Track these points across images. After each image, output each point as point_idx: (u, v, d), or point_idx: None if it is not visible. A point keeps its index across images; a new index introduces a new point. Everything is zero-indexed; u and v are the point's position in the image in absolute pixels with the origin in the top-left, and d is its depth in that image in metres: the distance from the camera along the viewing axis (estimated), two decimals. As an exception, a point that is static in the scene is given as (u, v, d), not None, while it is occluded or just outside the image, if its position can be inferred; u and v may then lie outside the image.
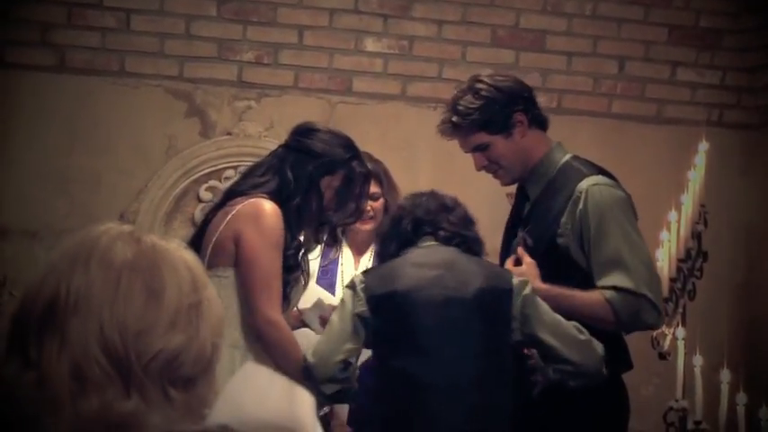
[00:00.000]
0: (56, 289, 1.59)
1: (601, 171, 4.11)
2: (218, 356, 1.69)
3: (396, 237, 3.93)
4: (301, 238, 4.21)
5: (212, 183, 5.88)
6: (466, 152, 4.20)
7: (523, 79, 5.46)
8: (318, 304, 4.19)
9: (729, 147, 6.23)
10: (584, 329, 3.73)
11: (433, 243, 3.84)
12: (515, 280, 3.76)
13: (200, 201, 5.88)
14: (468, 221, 3.93)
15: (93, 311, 1.57)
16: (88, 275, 1.59)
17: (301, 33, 6.03)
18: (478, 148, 4.09)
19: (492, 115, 4.01)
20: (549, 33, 6.29)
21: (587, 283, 3.98)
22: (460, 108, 4.03)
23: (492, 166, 4.12)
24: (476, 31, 6.21)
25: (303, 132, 4.24)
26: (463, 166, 6.02)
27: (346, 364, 3.68)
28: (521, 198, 4.22)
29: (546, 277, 3.99)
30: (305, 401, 1.85)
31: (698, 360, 4.88)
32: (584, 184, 4.00)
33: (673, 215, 5.11)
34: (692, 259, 5.11)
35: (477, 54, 6.22)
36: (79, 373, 1.53)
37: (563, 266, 4.02)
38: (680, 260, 5.07)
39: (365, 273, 3.96)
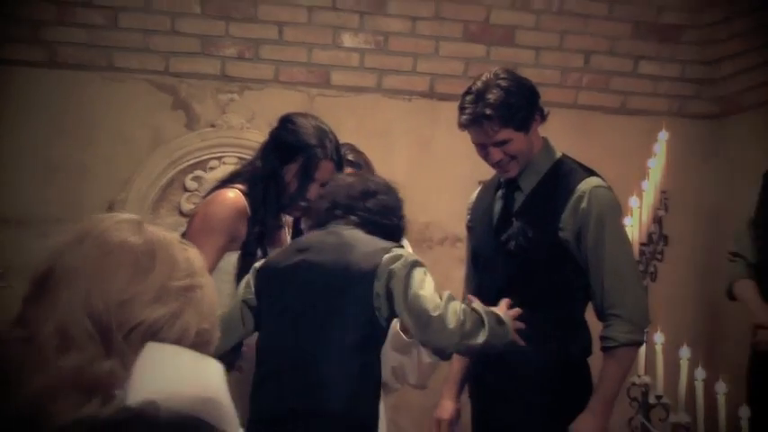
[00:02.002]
0: (52, 261, 1.66)
1: (594, 172, 4.18)
2: (207, 344, 1.73)
3: (314, 216, 3.95)
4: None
5: (197, 173, 5.91)
6: (481, 146, 4.11)
7: None
8: None
9: (690, 136, 6.28)
10: (446, 298, 3.65)
11: (339, 225, 3.81)
12: (387, 256, 3.66)
13: (185, 190, 5.90)
14: (387, 210, 3.89)
15: (82, 281, 1.63)
16: (81, 250, 1.66)
17: (281, 29, 6.05)
18: (499, 143, 4.06)
19: (520, 112, 4.02)
20: (519, 28, 6.31)
21: (578, 273, 4.03)
22: (491, 101, 3.99)
23: (506, 159, 4.08)
24: (448, 26, 6.24)
25: (279, 123, 4.29)
26: (436, 153, 6.17)
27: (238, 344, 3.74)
28: (509, 190, 4.20)
29: (545, 267, 4.06)
30: (214, 369, 1.79)
31: (659, 338, 4.88)
32: (586, 185, 4.06)
33: (635, 201, 5.16)
34: (654, 243, 5.16)
35: (449, 48, 6.27)
36: (64, 333, 1.58)
37: (560, 257, 4.05)
38: (642, 244, 5.11)
39: (263, 260, 3.95)
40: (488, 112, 3.97)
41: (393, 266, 3.58)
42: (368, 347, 3.69)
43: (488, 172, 4.33)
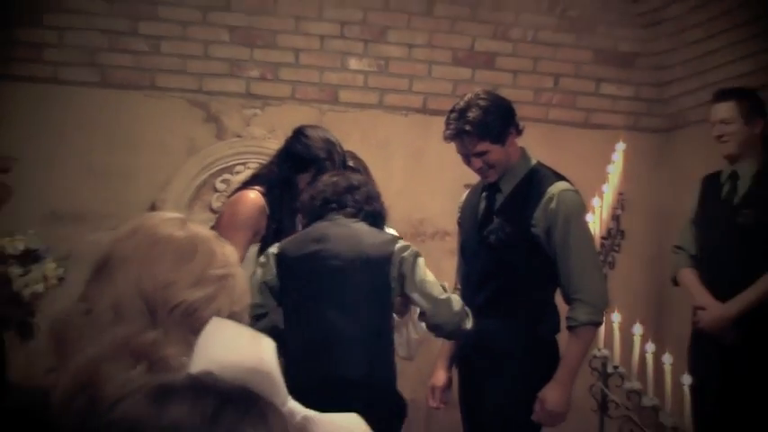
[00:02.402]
0: (110, 250, 1.76)
1: (563, 177, 4.32)
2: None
3: (309, 212, 4.01)
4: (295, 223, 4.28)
5: (225, 176, 6.05)
6: (464, 156, 4.24)
7: None
8: None
9: (643, 147, 6.36)
10: (447, 289, 3.89)
11: (338, 217, 3.92)
12: (398, 245, 3.85)
13: (215, 191, 6.05)
14: (371, 198, 4.04)
15: (134, 266, 1.72)
16: (134, 241, 1.76)
17: (297, 54, 6.25)
18: (479, 154, 4.18)
19: (496, 128, 4.15)
20: (498, 55, 6.46)
21: (547, 263, 4.19)
22: (470, 119, 4.12)
23: (485, 167, 4.22)
24: (439, 52, 6.39)
25: (293, 134, 4.41)
26: (428, 161, 6.25)
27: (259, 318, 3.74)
28: (491, 192, 4.32)
29: (519, 257, 4.21)
30: (267, 346, 1.77)
31: (616, 317, 4.94)
32: (555, 188, 4.20)
33: (596, 201, 5.30)
34: (612, 237, 5.32)
35: (440, 71, 6.43)
36: (118, 308, 1.69)
37: (533, 250, 4.19)
38: (602, 237, 5.26)
39: (277, 246, 3.99)
40: (467, 128, 4.12)
41: (404, 254, 3.82)
42: (384, 322, 3.89)
43: (474, 177, 4.45)
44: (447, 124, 4.21)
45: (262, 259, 3.98)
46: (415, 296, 3.84)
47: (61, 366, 1.65)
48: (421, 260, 3.88)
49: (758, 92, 5.16)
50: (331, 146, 4.30)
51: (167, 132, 5.91)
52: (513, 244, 4.23)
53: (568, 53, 6.58)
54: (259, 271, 3.92)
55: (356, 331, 3.75)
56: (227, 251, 1.82)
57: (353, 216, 3.97)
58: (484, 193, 4.39)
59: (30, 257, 4.11)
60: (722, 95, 4.99)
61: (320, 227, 3.93)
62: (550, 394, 4.17)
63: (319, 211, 3.98)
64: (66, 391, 1.60)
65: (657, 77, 6.68)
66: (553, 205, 4.18)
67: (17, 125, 5.85)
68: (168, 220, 1.82)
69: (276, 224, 4.19)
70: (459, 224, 4.59)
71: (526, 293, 4.26)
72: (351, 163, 4.86)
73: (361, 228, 3.93)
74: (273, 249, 3.94)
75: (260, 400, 1.15)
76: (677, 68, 6.51)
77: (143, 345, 1.64)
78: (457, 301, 3.89)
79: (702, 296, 5.02)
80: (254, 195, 4.22)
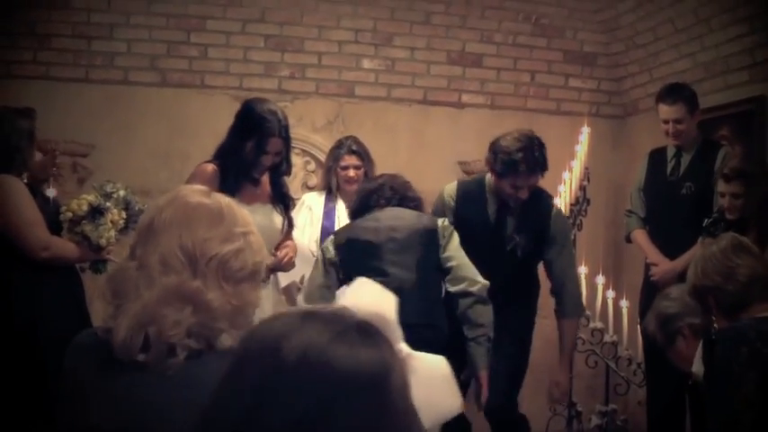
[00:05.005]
0: (153, 215, 1.75)
1: (551, 196, 4.48)
2: (258, 272, 1.78)
3: (358, 207, 4.01)
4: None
5: None
6: (521, 186, 4.17)
7: (468, 87, 6.06)
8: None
9: (604, 130, 6.38)
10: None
11: (386, 206, 3.92)
12: (439, 222, 3.87)
13: None
14: (407, 188, 4.03)
15: (175, 227, 1.72)
16: (173, 208, 1.75)
17: (320, 57, 6.24)
18: (532, 185, 4.20)
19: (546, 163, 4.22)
20: (485, 55, 6.46)
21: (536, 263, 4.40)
22: (538, 158, 4.14)
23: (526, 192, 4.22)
24: (436, 54, 6.39)
25: (241, 107, 4.13)
26: (427, 142, 6.22)
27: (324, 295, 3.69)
28: (504, 212, 4.32)
29: (534, 262, 4.38)
30: (391, 300, 1.98)
31: (583, 269, 5.13)
32: (554, 211, 4.39)
33: (566, 174, 5.39)
34: (580, 204, 5.39)
35: (437, 69, 6.41)
36: (165, 262, 1.69)
37: (537, 254, 4.36)
38: (572, 204, 5.35)
39: (334, 233, 3.99)
40: (538, 169, 4.18)
41: (446, 229, 3.86)
42: (438, 280, 3.88)
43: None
44: (525, 162, 4.14)
45: (321, 247, 3.96)
46: (451, 258, 3.83)
47: (119, 312, 1.66)
48: (456, 233, 3.89)
49: (693, 85, 5.17)
50: (272, 114, 3.95)
51: (216, 122, 5.29)
52: (532, 253, 4.35)
53: (542, 54, 6.58)
54: (320, 254, 3.92)
55: (415, 286, 3.71)
56: (246, 213, 1.81)
57: (398, 204, 3.95)
58: (494, 207, 4.36)
59: (96, 212, 4.07)
60: (671, 98, 4.88)
61: (375, 215, 3.90)
62: (561, 377, 4.43)
63: (369, 203, 3.96)
64: (129, 329, 1.62)
65: (615, 73, 6.68)
66: (554, 226, 4.35)
67: (95, 120, 5.86)
68: (197, 191, 1.81)
69: (228, 191, 3.79)
70: (460, 216, 4.34)
71: (528, 288, 4.47)
72: (354, 147, 4.90)
73: (404, 211, 3.94)
74: (339, 235, 3.92)
75: (378, 334, 1.16)
76: (631, 66, 6.51)
77: (189, 290, 1.66)
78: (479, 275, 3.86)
79: (654, 254, 5.01)
80: (205, 166, 4.00)
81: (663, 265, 4.91)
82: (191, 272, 1.67)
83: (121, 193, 4.10)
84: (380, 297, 1.97)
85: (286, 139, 4.02)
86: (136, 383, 1.62)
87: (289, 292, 4.59)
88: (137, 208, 4.11)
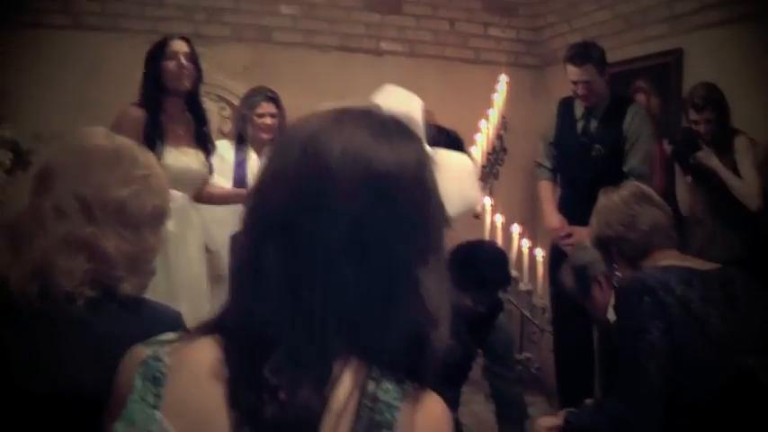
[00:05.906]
0: (48, 161, 1.73)
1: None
2: (161, 216, 1.77)
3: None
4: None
5: None
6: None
7: (386, 34, 5.99)
8: None
9: (522, 80, 6.37)
10: None
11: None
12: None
13: None
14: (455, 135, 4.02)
15: (70, 172, 1.69)
16: (68, 152, 1.73)
17: (237, 1, 6.04)
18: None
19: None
20: (405, 3, 6.40)
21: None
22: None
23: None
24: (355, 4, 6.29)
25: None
26: (348, 94, 5.98)
27: None
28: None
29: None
30: (417, 102, 2.20)
31: (499, 218, 5.28)
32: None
33: (484, 123, 5.42)
34: (497, 152, 5.46)
35: (355, 15, 6.32)
36: (58, 209, 1.66)
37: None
38: (488, 153, 5.41)
39: None
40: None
41: None
42: None
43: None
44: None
45: None
46: None
47: (15, 261, 1.63)
48: None
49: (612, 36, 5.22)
50: (158, 45, 4.05)
51: (131, 67, 5.24)
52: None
53: (462, 2, 6.55)
54: None
55: None
56: (149, 156, 1.80)
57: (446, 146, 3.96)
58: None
59: None
60: (579, 59, 4.85)
61: None
62: None
63: None
64: (23, 278, 1.60)
65: (534, 23, 6.70)
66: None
67: (5, 63, 5.62)
68: (95, 133, 1.78)
69: (156, 134, 3.85)
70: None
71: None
72: (269, 94, 4.83)
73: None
74: None
75: (407, 128, 1.21)
76: (550, 16, 6.53)
77: (82, 237, 1.64)
78: None
79: (549, 212, 5.09)
80: (129, 109, 3.93)
81: (577, 235, 4.86)
82: (85, 218, 1.65)
83: (7, 133, 3.96)
84: (408, 99, 2.13)
85: (189, 42, 4.05)
86: (37, 332, 1.59)
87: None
88: (25, 149, 3.99)
